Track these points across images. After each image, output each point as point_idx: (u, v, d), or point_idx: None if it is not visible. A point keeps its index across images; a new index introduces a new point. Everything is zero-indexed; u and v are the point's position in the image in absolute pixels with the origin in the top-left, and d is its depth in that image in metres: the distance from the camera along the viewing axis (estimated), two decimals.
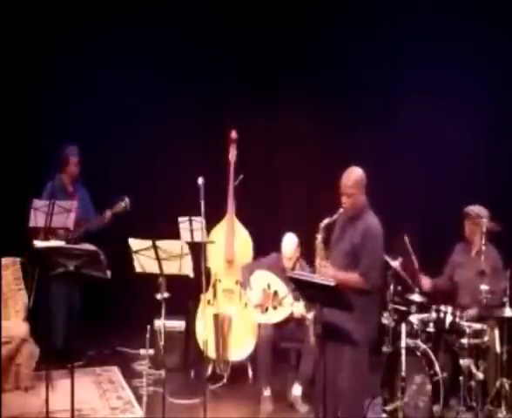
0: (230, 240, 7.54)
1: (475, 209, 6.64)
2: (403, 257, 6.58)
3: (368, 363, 5.82)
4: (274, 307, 7.00)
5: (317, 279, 5.53)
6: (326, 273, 5.65)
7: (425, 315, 6.48)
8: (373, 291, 5.72)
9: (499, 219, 6.53)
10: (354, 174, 5.82)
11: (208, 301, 7.48)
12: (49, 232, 7.24)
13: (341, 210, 5.78)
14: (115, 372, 7.65)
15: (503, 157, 8.16)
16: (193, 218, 7.22)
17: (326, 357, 5.52)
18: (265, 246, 7.41)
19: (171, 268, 5.86)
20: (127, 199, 7.68)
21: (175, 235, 7.20)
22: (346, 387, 5.69)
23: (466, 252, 6.83)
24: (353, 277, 5.65)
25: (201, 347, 7.32)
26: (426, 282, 6.74)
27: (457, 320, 6.29)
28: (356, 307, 5.44)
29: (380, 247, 5.81)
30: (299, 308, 6.74)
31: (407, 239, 6.59)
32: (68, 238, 7.35)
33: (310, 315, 5.85)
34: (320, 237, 5.82)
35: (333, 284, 5.31)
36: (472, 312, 6.37)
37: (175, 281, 5.98)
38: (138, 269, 5.98)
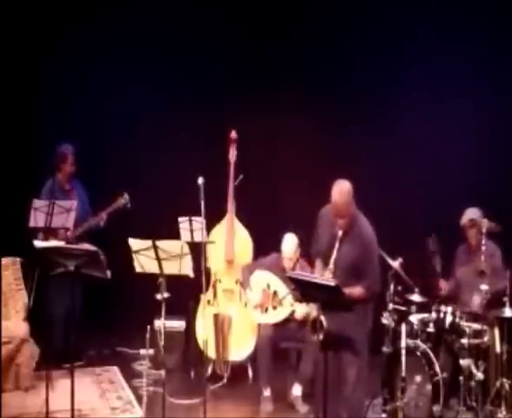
0: (230, 240, 7.54)
1: (468, 215, 6.67)
2: (424, 258, 6.58)
3: (368, 363, 5.86)
4: (274, 307, 6.99)
5: (317, 279, 5.54)
6: None
7: (425, 315, 6.47)
8: (372, 298, 5.87)
9: (499, 218, 6.53)
10: (344, 192, 5.77)
11: (208, 301, 7.48)
12: (50, 234, 7.25)
13: (340, 232, 5.77)
14: (115, 372, 7.65)
15: (505, 155, 8.15)
16: (193, 218, 7.22)
17: (328, 360, 5.53)
18: (265, 246, 7.41)
19: (171, 268, 5.85)
20: (127, 196, 7.64)
21: (175, 235, 7.20)
22: (351, 388, 5.71)
23: (467, 250, 6.87)
24: (356, 291, 5.72)
25: (201, 347, 7.32)
26: (444, 286, 6.75)
27: (457, 320, 6.30)
28: (355, 311, 5.53)
29: (377, 253, 5.92)
30: (302, 309, 6.72)
31: (434, 238, 6.57)
32: (68, 238, 7.35)
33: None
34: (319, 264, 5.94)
35: (333, 284, 5.33)
36: (476, 299, 6.38)
37: (175, 281, 5.98)
38: (138, 269, 5.98)
